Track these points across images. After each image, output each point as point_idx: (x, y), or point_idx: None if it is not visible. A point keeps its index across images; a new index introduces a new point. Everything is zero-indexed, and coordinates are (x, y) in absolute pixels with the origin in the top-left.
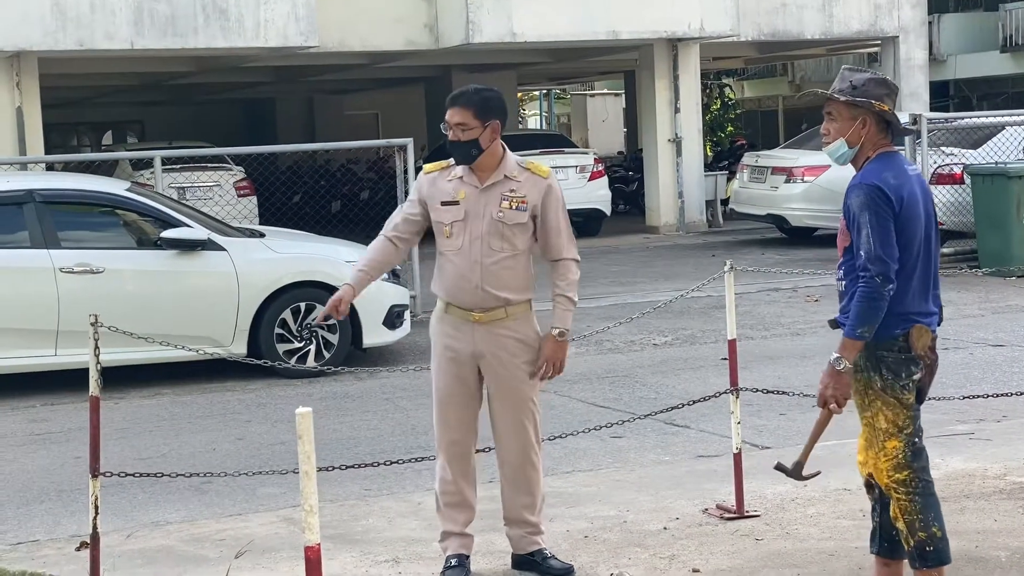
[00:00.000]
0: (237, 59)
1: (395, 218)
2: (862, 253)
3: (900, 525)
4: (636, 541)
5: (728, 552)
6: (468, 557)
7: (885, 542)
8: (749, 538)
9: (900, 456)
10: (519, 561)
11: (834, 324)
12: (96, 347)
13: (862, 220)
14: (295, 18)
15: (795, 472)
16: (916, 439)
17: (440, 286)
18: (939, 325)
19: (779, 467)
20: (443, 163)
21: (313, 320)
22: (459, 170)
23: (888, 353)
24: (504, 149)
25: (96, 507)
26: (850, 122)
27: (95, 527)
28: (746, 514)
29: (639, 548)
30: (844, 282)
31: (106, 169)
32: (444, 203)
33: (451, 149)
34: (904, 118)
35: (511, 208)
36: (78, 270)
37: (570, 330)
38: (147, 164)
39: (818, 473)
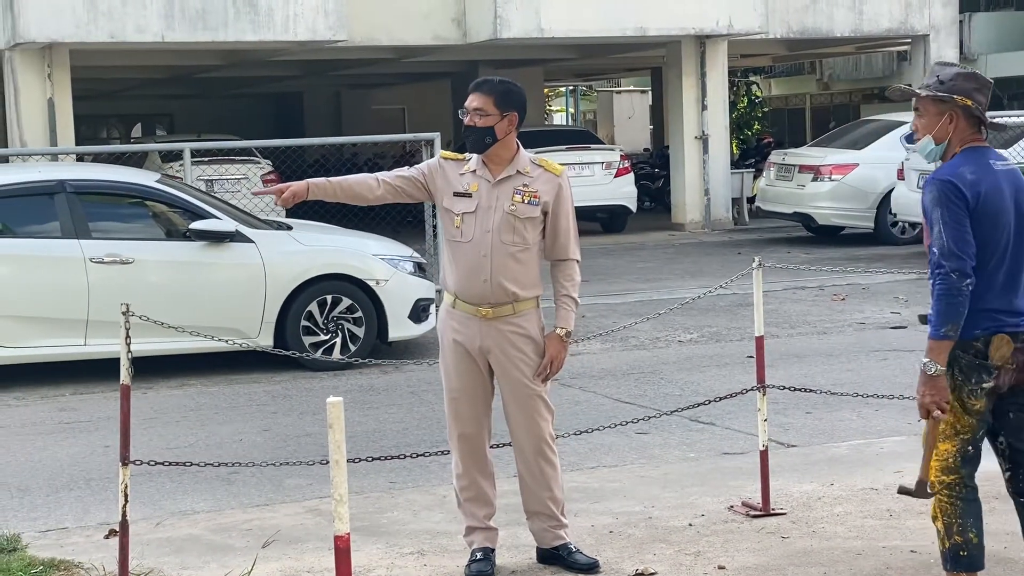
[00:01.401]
0: (266, 53)
1: (394, 171)
2: (935, 250)
3: (938, 525)
4: (661, 537)
5: (754, 550)
6: (493, 551)
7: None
8: (775, 536)
9: (951, 460)
10: (544, 555)
11: (923, 319)
12: (127, 336)
13: (935, 216)
14: (324, 12)
15: (920, 491)
16: (970, 447)
17: (449, 280)
18: None
19: (903, 490)
20: (461, 155)
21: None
22: (473, 163)
23: (964, 354)
24: (519, 145)
25: (126, 495)
26: (937, 118)
27: (124, 515)
28: (772, 512)
29: (664, 544)
30: (932, 280)
31: (136, 161)
32: (457, 194)
33: (466, 134)
34: None
35: (523, 202)
36: (108, 260)
37: (570, 335)
38: (176, 156)
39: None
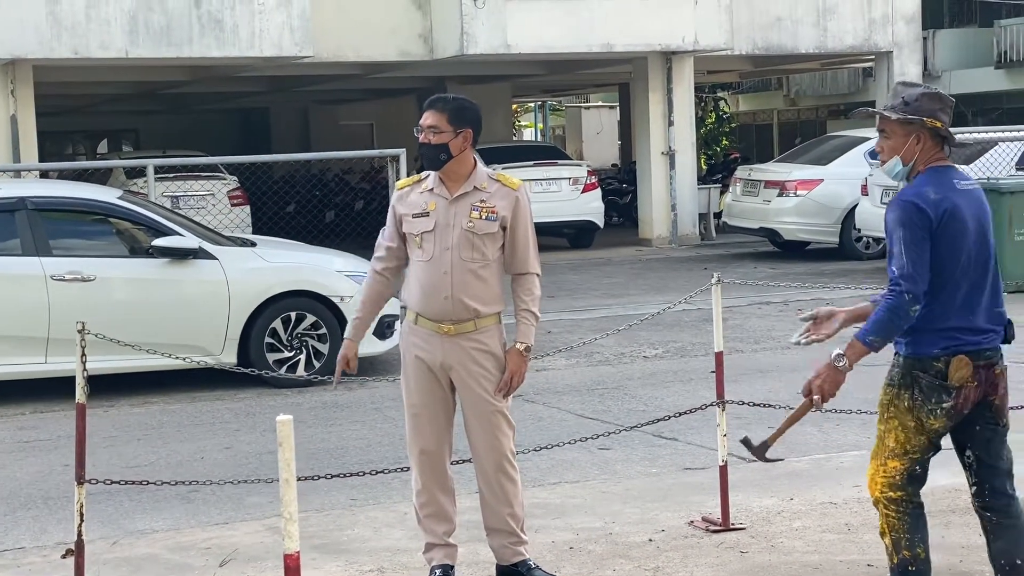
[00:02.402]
0: (232, 69)
1: (381, 245)
2: (895, 268)
3: (887, 540)
4: (621, 553)
5: (713, 565)
6: (453, 567)
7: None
8: (734, 551)
9: (897, 477)
10: (504, 572)
11: (745, 442)
12: (83, 354)
13: (896, 236)
14: (290, 28)
15: (760, 451)
16: (918, 467)
17: (410, 297)
18: (1007, 342)
19: (745, 441)
20: (415, 177)
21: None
22: (430, 182)
23: (924, 375)
24: (476, 161)
25: (81, 514)
26: (904, 139)
27: (80, 534)
28: (731, 527)
29: (624, 560)
30: (887, 293)
31: (100, 177)
32: (415, 215)
33: (421, 151)
34: None
35: (480, 218)
36: (69, 278)
37: (530, 350)
38: (141, 172)
39: (781, 460)
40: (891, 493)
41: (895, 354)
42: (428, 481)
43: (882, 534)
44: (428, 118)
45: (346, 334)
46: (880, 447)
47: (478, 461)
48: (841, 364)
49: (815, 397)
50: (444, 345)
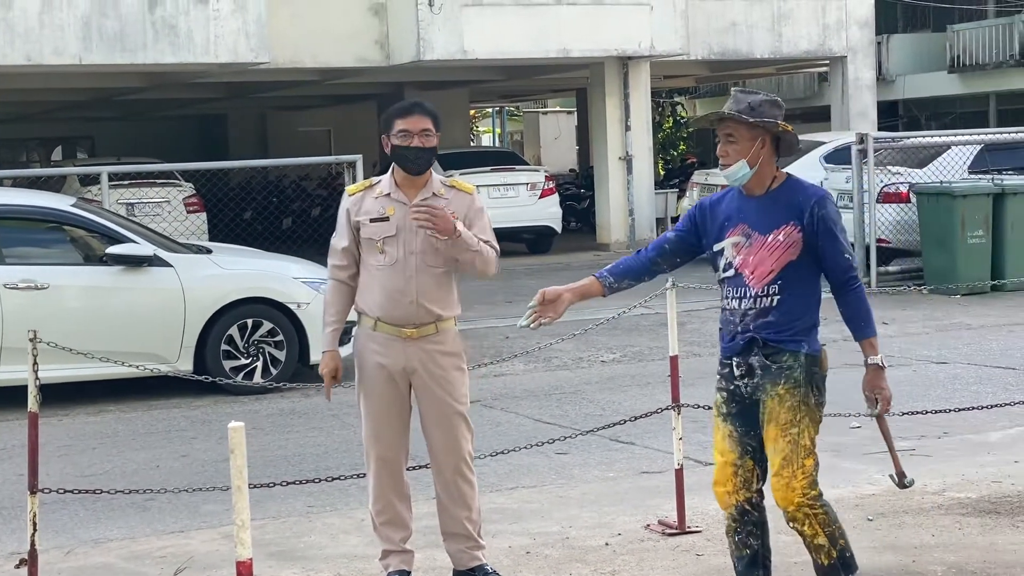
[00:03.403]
0: (187, 75)
1: (337, 252)
2: (848, 257)
3: (821, 540)
4: (577, 557)
5: (668, 567)
6: (409, 573)
7: (763, 565)
8: (690, 554)
9: (814, 473)
10: None
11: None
12: (35, 363)
13: (840, 227)
14: (245, 34)
15: (902, 481)
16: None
17: (369, 302)
18: None
19: (893, 478)
20: (365, 183)
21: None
22: (383, 187)
23: (818, 370)
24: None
25: (35, 524)
26: (750, 143)
27: (33, 544)
28: (687, 530)
29: (580, 564)
30: (779, 297)
31: (54, 185)
32: (373, 220)
33: (417, 156)
34: (850, 138)
35: None
36: (22, 286)
37: (461, 235)
38: (96, 180)
39: (913, 480)
40: (812, 491)
41: (790, 354)
42: (385, 488)
43: (814, 536)
44: (420, 122)
45: (327, 345)
46: (795, 450)
47: (436, 464)
48: (884, 363)
49: (886, 405)
50: (407, 349)
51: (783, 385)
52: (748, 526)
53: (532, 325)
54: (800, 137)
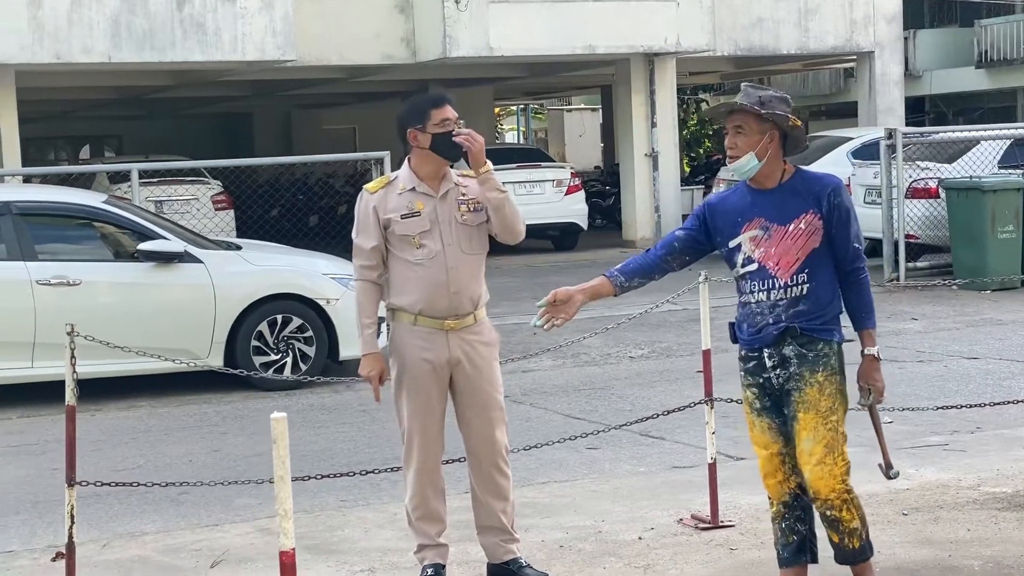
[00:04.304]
0: (215, 73)
1: (365, 253)
2: (857, 245)
3: (856, 524)
4: (611, 551)
5: (702, 562)
6: (444, 567)
7: (810, 550)
8: (723, 548)
9: (849, 459)
10: (495, 570)
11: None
12: (72, 356)
13: (853, 215)
14: (272, 32)
15: (889, 472)
16: None
17: (408, 297)
18: None
19: (891, 476)
20: (384, 179)
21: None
22: (404, 182)
23: (842, 356)
24: None
25: (72, 517)
26: (759, 136)
27: (71, 537)
28: (720, 524)
29: (614, 558)
30: (808, 285)
31: (84, 182)
32: (404, 216)
33: (457, 146)
34: (879, 133)
35: (470, 211)
36: (55, 282)
37: (489, 170)
38: (124, 177)
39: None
40: (848, 477)
41: (824, 342)
42: (425, 483)
43: (851, 521)
44: (453, 111)
45: (369, 348)
46: (835, 438)
47: (474, 456)
48: (880, 355)
49: (879, 396)
50: (450, 341)
51: (822, 372)
52: (797, 511)
53: (546, 327)
54: (827, 133)
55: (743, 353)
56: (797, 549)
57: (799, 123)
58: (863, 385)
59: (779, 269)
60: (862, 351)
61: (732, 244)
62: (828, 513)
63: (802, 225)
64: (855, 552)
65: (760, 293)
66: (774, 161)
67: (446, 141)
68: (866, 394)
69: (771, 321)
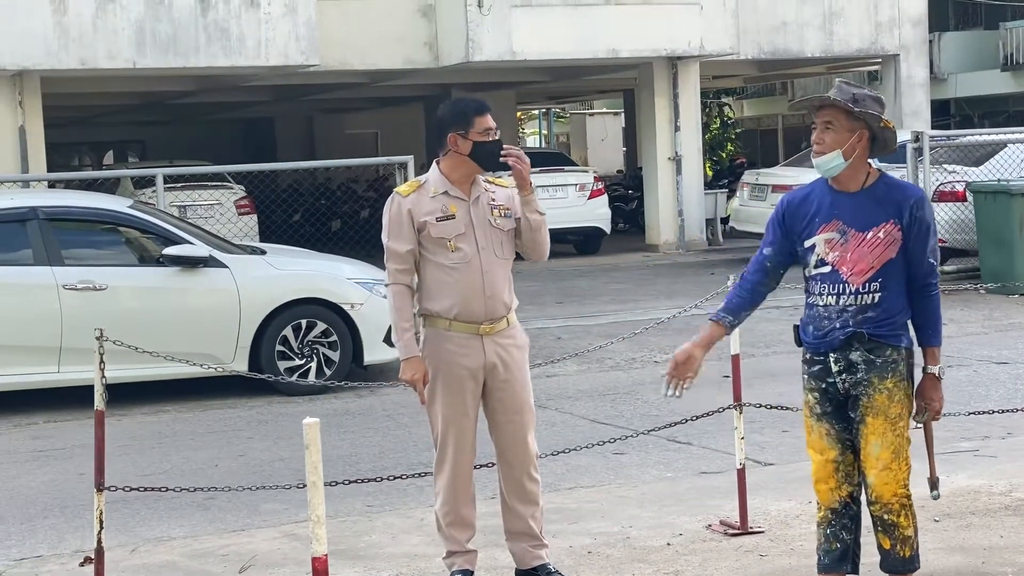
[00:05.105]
0: (238, 78)
1: (399, 257)
2: (932, 261)
3: (910, 532)
4: (639, 557)
5: (732, 568)
6: (473, 573)
7: (852, 559)
8: (753, 554)
9: (911, 463)
10: None
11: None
12: (101, 360)
13: (933, 229)
14: (296, 37)
15: (934, 493)
16: None
17: (442, 303)
18: None
19: (934, 496)
20: (415, 182)
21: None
22: (436, 185)
23: (912, 362)
24: None
25: (101, 521)
26: (848, 134)
27: (99, 541)
28: (750, 530)
29: (643, 564)
30: (880, 294)
31: (108, 187)
32: (439, 219)
33: (499, 151)
34: (905, 136)
35: (501, 216)
36: (81, 287)
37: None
38: (149, 182)
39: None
40: (909, 481)
41: (892, 348)
42: (457, 489)
43: (906, 528)
44: (492, 120)
45: (408, 352)
46: (901, 443)
47: (505, 462)
48: (942, 374)
49: (934, 415)
50: (485, 345)
51: (891, 379)
52: (845, 519)
53: (678, 394)
54: None
55: (807, 356)
56: (840, 557)
57: (891, 124)
58: (919, 403)
59: (852, 275)
60: (924, 368)
61: (807, 244)
62: (886, 517)
63: (880, 234)
64: (904, 561)
65: (830, 297)
66: (859, 162)
67: (487, 150)
68: (922, 412)
69: (838, 326)
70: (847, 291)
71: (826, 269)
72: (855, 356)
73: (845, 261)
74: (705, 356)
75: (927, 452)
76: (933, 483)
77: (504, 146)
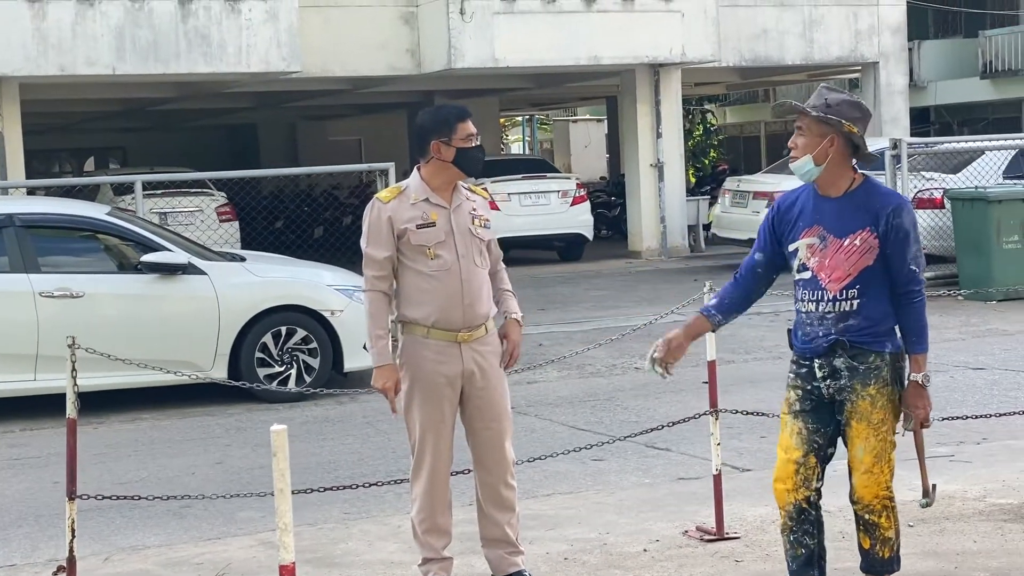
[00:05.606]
0: (219, 84)
1: (377, 264)
2: (914, 268)
3: (891, 533)
4: (616, 563)
5: (708, 574)
6: None
7: (818, 565)
8: (729, 560)
9: (894, 464)
10: None
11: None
12: (73, 369)
13: (913, 236)
14: (277, 43)
15: (923, 501)
16: None
17: (422, 310)
18: None
19: (923, 504)
20: (395, 189)
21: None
22: (416, 192)
23: (901, 365)
24: None
25: (73, 530)
26: (818, 139)
27: (71, 550)
28: (726, 536)
29: (619, 570)
30: (858, 301)
31: (88, 194)
32: (420, 226)
33: (482, 157)
34: (884, 143)
35: (480, 226)
36: (58, 294)
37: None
38: (129, 189)
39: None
40: (892, 483)
41: (875, 354)
42: (434, 497)
43: (887, 529)
44: (473, 126)
45: (381, 360)
46: (884, 447)
47: (482, 469)
48: (927, 382)
49: (920, 423)
50: (463, 353)
51: (874, 385)
52: (805, 525)
53: (666, 376)
54: None
55: (795, 359)
56: (805, 563)
57: (855, 129)
58: (905, 411)
59: (830, 282)
60: (908, 375)
61: (791, 248)
62: (867, 517)
63: (857, 242)
64: (884, 562)
65: (810, 303)
66: (836, 167)
67: (470, 156)
68: (908, 420)
69: (821, 333)
70: (825, 298)
71: (807, 275)
72: (838, 363)
73: (824, 267)
74: (688, 344)
75: (918, 460)
76: (926, 491)
77: (511, 362)
